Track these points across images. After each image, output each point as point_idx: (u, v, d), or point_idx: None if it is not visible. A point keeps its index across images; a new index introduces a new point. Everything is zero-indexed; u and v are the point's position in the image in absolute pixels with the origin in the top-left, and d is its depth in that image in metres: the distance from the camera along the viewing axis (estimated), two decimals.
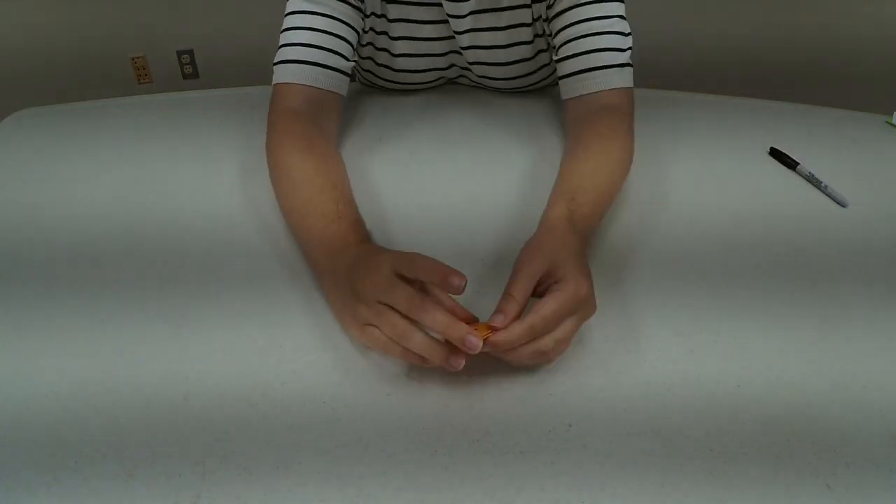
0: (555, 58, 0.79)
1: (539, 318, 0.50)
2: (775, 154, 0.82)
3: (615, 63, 0.75)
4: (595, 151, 0.70)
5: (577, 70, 0.76)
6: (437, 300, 0.52)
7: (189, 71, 2.44)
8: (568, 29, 0.76)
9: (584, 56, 0.76)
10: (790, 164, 0.80)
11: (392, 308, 0.50)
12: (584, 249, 0.58)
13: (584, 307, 0.52)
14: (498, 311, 0.51)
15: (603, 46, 0.75)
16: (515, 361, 0.52)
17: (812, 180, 0.77)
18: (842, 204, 0.74)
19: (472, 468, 0.48)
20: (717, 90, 1.04)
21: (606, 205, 0.67)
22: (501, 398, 0.52)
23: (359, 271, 0.53)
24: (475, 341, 0.47)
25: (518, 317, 0.51)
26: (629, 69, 0.77)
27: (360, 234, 0.61)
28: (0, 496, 0.46)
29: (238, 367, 0.55)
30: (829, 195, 0.75)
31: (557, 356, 0.53)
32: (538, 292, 0.53)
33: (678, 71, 2.24)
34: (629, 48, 0.77)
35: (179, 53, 2.40)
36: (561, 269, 0.52)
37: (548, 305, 0.50)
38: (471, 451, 0.49)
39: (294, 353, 0.56)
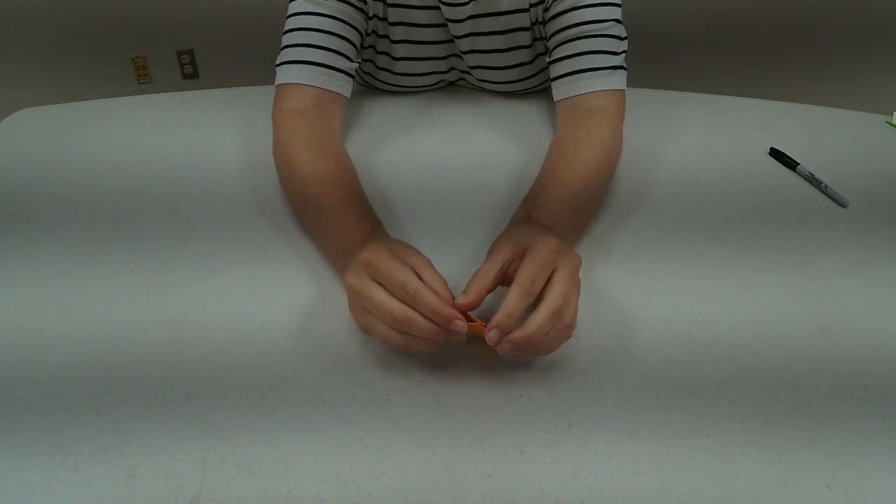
0: (547, 59, 0.80)
1: (522, 276, 0.50)
2: (775, 154, 0.82)
3: (607, 65, 0.75)
4: (568, 154, 0.70)
5: (568, 72, 0.77)
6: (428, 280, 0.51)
7: (189, 71, 2.44)
8: (563, 32, 0.76)
9: (576, 58, 0.76)
10: (790, 164, 0.80)
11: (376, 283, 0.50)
12: (552, 236, 0.57)
13: (563, 258, 0.52)
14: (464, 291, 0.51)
15: (596, 49, 0.75)
16: (539, 347, 0.51)
17: (812, 180, 0.77)
18: (842, 204, 0.74)
19: (472, 468, 0.48)
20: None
21: (580, 203, 0.67)
22: (501, 398, 0.52)
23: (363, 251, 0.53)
24: (461, 325, 0.49)
25: (482, 292, 0.51)
26: (622, 72, 0.77)
27: (371, 229, 0.61)
28: (0, 496, 0.46)
29: (238, 367, 0.55)
30: (829, 195, 0.75)
31: (572, 319, 0.51)
32: (511, 274, 0.52)
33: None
34: (623, 52, 0.77)
35: (179, 53, 2.40)
36: (527, 243, 0.53)
37: (524, 264, 0.51)
38: (471, 451, 0.49)
39: (295, 352, 0.56)
